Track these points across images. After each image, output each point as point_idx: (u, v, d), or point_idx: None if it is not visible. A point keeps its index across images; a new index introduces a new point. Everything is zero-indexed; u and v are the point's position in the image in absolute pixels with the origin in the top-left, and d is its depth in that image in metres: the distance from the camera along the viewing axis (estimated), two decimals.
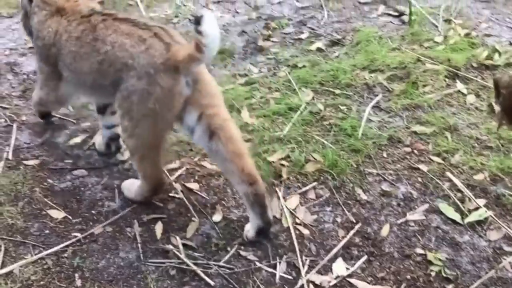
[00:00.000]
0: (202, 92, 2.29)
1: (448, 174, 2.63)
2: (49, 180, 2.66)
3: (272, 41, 3.67)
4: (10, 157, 2.78)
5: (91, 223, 2.42)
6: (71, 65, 2.50)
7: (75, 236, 2.34)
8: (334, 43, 3.61)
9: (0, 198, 2.53)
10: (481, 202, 2.48)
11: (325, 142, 2.81)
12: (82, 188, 2.62)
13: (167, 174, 2.66)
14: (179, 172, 2.69)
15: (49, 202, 2.51)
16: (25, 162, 2.75)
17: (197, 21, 2.06)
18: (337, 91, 3.19)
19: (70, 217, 2.44)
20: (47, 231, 2.37)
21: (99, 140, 2.84)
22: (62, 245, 2.30)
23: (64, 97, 2.71)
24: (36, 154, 2.82)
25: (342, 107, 3.07)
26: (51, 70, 2.62)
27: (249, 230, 2.34)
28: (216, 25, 2.08)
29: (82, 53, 2.42)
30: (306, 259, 2.25)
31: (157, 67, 2.21)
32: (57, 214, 2.46)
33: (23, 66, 3.47)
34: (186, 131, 2.38)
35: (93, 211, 2.48)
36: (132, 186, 2.53)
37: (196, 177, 2.66)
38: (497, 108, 2.64)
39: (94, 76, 2.41)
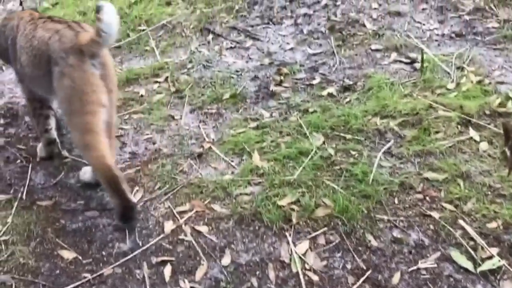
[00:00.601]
0: (109, 75, 2.70)
1: (461, 221, 2.61)
2: (61, 221, 2.68)
3: (284, 87, 3.72)
4: (24, 197, 2.82)
5: (101, 264, 2.42)
6: (21, 60, 2.86)
7: (85, 277, 2.35)
8: (346, 88, 3.65)
9: (13, 238, 2.56)
10: (494, 251, 2.45)
11: (336, 187, 2.81)
12: (93, 229, 2.64)
13: (177, 216, 2.68)
14: (189, 214, 2.70)
15: (61, 242, 2.53)
16: (38, 202, 2.79)
17: (98, 10, 2.47)
18: (348, 136, 3.21)
19: (80, 257, 2.46)
20: (57, 271, 2.38)
21: (40, 146, 3.13)
22: (72, 286, 2.31)
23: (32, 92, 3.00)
24: (50, 194, 2.86)
25: (353, 152, 3.08)
26: (16, 71, 3.03)
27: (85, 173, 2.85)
28: (113, 14, 2.47)
29: (25, 48, 2.82)
30: None
31: (67, 51, 2.61)
32: (68, 254, 2.47)
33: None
34: None
35: (103, 252, 2.49)
36: (87, 172, 2.90)
37: (206, 220, 2.67)
38: (509, 154, 2.63)
39: (32, 68, 2.80)
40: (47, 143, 3.08)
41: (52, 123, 3.09)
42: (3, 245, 2.53)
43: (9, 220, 2.65)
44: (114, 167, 2.62)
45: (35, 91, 2.95)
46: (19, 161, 3.09)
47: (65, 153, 3.14)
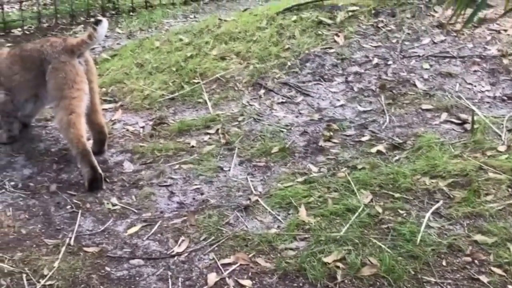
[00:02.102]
0: (90, 70, 3.53)
1: (510, 287, 2.50)
2: (107, 268, 2.71)
3: (333, 142, 3.72)
4: (72, 242, 2.88)
5: None
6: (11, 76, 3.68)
7: None
8: (395, 147, 3.62)
9: (58, 283, 2.60)
10: None
11: (383, 246, 2.75)
12: (137, 278, 2.65)
13: (221, 269, 2.67)
14: (233, 267, 2.68)
15: None
16: (85, 248, 2.84)
17: (97, 22, 3.42)
18: (397, 195, 3.16)
19: None
20: None
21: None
22: None
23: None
24: (97, 241, 2.90)
25: (401, 212, 3.02)
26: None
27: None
28: (105, 28, 3.45)
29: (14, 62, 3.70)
30: None
31: (59, 52, 3.44)
32: None
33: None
34: None
35: None
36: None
37: (250, 274, 2.64)
38: None
39: (22, 74, 3.61)
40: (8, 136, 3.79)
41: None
42: None
43: (56, 264, 2.70)
44: (87, 143, 3.37)
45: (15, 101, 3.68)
46: (69, 206, 3.17)
47: (114, 200, 3.21)
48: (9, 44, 5.43)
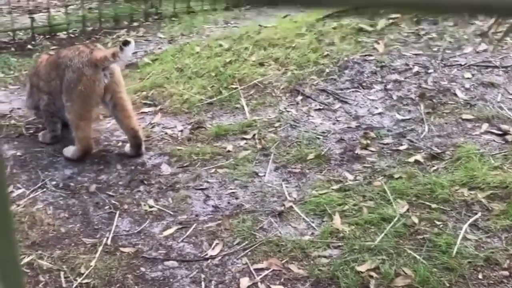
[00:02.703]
0: (115, 81, 3.63)
1: None
2: (142, 268, 2.76)
3: (370, 151, 3.70)
4: (109, 242, 2.94)
5: None
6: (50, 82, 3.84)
7: None
8: (433, 157, 3.57)
9: (94, 281, 2.66)
10: None
11: (417, 256, 2.72)
12: (171, 279, 2.69)
13: (254, 273, 2.68)
14: (266, 272, 2.69)
15: None
16: (121, 248, 2.90)
17: (125, 43, 3.46)
18: (434, 206, 3.11)
19: None
20: None
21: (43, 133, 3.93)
22: None
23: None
24: (133, 242, 2.96)
25: (438, 223, 2.98)
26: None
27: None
28: (131, 50, 3.54)
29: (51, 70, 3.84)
30: None
31: (84, 63, 3.54)
32: None
33: (132, 158, 3.72)
34: (104, 106, 3.71)
35: None
36: (70, 149, 3.69)
37: (282, 280, 2.65)
38: None
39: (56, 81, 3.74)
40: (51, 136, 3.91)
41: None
42: None
43: (92, 263, 2.77)
44: (93, 147, 3.68)
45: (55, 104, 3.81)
46: (107, 207, 3.24)
47: (151, 202, 3.27)
48: (53, 47, 5.59)
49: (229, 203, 3.25)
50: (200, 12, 6.48)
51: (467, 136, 3.76)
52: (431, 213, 3.06)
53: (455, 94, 4.20)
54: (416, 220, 3.00)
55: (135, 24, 6.31)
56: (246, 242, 2.91)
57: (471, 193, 3.18)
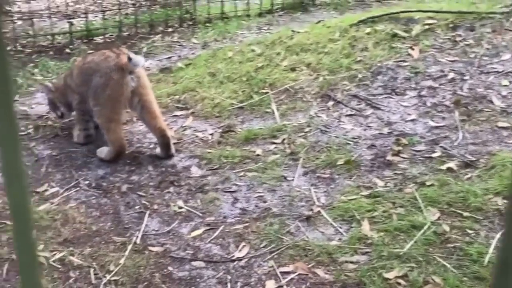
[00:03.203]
0: (141, 85, 3.74)
1: None
2: (169, 268, 2.79)
3: (402, 157, 3.65)
4: (138, 241, 2.98)
5: None
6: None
7: None
8: (467, 164, 3.50)
9: (122, 279, 2.69)
10: None
11: (447, 265, 2.67)
12: (197, 279, 2.71)
13: (280, 276, 2.67)
14: (291, 276, 2.68)
15: None
16: (150, 248, 2.93)
17: (129, 59, 3.61)
18: (466, 214, 3.05)
19: None
20: None
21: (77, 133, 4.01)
22: None
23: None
24: (161, 241, 2.99)
25: (469, 231, 2.92)
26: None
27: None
28: (140, 60, 3.74)
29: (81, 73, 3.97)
30: None
31: (111, 68, 3.64)
32: None
33: (164, 160, 3.77)
34: (132, 109, 3.82)
35: None
36: (103, 150, 3.75)
37: (308, 284, 2.63)
38: None
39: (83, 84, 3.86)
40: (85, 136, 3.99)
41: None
42: (112, 285, 2.67)
43: (121, 261, 2.80)
44: (126, 147, 3.75)
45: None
46: (138, 207, 3.28)
47: (180, 203, 3.29)
48: (90, 51, 5.72)
49: (256, 206, 3.25)
50: (233, 18, 6.53)
51: (503, 144, 3.67)
52: (462, 222, 3.00)
53: (491, 102, 4.11)
54: (447, 228, 2.95)
55: (170, 29, 6.40)
56: (273, 245, 2.91)
57: (505, 202, 3.10)
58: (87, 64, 3.83)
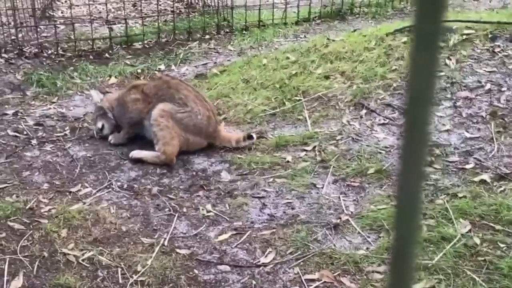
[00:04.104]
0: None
1: None
2: (195, 271, 2.81)
3: (434, 168, 3.59)
4: (166, 243, 3.01)
5: None
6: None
7: None
8: (501, 177, 3.42)
9: (149, 280, 2.73)
10: None
11: (477, 278, 2.61)
12: (223, 283, 2.72)
13: (305, 284, 2.66)
14: (317, 284, 2.67)
15: None
16: (177, 250, 2.96)
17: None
18: (498, 227, 2.98)
19: None
20: None
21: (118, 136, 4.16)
22: None
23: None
24: (189, 244, 3.02)
25: (501, 245, 2.85)
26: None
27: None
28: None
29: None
30: None
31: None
32: None
33: (194, 163, 3.81)
34: None
35: None
36: (146, 153, 3.86)
37: None
38: None
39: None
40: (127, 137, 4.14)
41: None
42: (139, 285, 2.70)
43: (149, 262, 2.84)
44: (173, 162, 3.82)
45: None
46: (167, 209, 3.32)
47: (209, 207, 3.32)
48: (129, 57, 5.83)
49: (284, 212, 3.25)
50: (270, 26, 6.56)
51: None
52: (494, 235, 2.93)
53: None
54: (478, 241, 2.89)
55: (207, 36, 6.47)
56: (299, 252, 2.90)
57: None
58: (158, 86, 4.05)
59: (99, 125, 4.16)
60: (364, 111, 4.28)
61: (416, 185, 0.56)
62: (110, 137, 4.11)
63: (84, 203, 3.36)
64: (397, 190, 0.57)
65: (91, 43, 6.18)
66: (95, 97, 4.25)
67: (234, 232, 3.08)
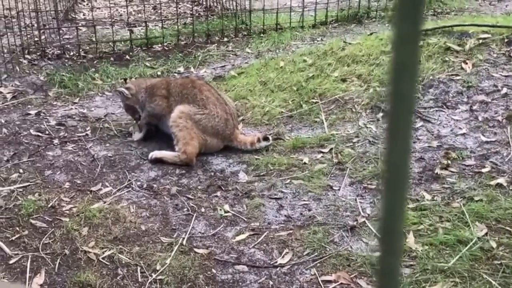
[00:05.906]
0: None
1: None
2: (213, 270, 2.86)
3: (450, 171, 3.61)
4: (184, 242, 3.07)
5: None
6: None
7: None
8: None
9: (168, 278, 2.78)
10: None
11: (493, 281, 2.63)
12: (240, 283, 2.76)
13: (321, 285, 2.70)
14: (333, 285, 2.71)
15: None
16: (196, 249, 3.01)
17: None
18: None
19: None
20: None
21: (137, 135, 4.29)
22: None
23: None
24: (207, 244, 3.07)
25: None
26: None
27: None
28: None
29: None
30: None
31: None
32: None
33: (212, 164, 3.87)
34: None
35: None
36: (167, 154, 3.93)
37: None
38: None
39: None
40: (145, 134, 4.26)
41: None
42: (158, 284, 2.76)
43: (168, 261, 2.90)
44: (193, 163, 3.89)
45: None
46: (186, 209, 3.38)
47: (227, 207, 3.37)
48: (149, 59, 5.91)
49: (301, 214, 3.29)
50: (287, 29, 6.60)
51: None
52: (510, 238, 2.94)
53: None
54: (494, 245, 2.90)
55: (225, 39, 6.53)
56: (316, 253, 2.94)
57: None
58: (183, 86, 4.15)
59: (137, 116, 4.36)
60: (381, 114, 4.30)
61: (403, 159, 0.61)
62: (132, 136, 4.21)
63: (105, 202, 3.43)
64: (384, 165, 0.61)
65: (112, 45, 6.27)
66: (121, 97, 4.37)
67: (252, 233, 3.13)
